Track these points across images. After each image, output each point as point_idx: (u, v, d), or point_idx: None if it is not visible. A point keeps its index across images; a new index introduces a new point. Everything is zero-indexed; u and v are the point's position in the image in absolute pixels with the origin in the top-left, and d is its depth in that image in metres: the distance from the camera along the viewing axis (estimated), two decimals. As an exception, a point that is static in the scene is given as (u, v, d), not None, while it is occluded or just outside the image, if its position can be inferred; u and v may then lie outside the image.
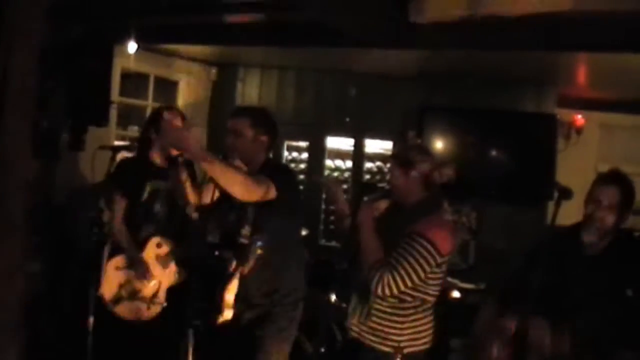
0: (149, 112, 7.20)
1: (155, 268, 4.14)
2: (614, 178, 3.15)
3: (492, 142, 6.53)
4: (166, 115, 4.09)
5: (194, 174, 4.20)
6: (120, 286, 4.11)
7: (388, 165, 3.46)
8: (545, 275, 2.99)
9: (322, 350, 4.16)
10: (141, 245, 4.17)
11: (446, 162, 3.33)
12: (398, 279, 3.03)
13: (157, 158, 4.24)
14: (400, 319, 3.16)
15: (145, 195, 4.20)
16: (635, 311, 2.98)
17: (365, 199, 3.31)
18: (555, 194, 3.08)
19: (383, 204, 3.36)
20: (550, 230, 3.22)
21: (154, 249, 4.16)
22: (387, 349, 3.16)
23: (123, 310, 4.11)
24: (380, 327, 3.17)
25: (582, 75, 6.23)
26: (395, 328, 3.16)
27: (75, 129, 5.68)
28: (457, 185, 3.40)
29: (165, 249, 4.16)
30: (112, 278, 4.11)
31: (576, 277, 3.07)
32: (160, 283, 4.14)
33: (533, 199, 6.35)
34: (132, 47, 5.92)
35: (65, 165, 5.64)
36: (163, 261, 4.15)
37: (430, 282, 3.15)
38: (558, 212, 3.05)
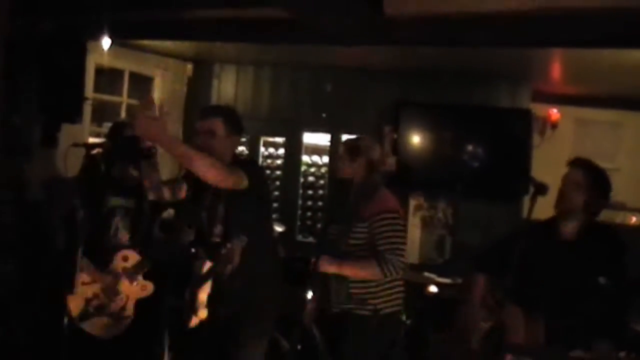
0: (124, 108, 7.15)
1: (123, 282, 4.09)
2: (581, 161, 3.27)
3: (467, 137, 6.54)
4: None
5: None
6: (87, 301, 4.06)
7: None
8: (519, 264, 3.05)
9: (299, 348, 4.15)
10: (107, 259, 4.12)
11: (389, 155, 3.72)
12: (401, 256, 3.50)
13: (118, 172, 4.23)
14: (374, 283, 3.58)
15: (104, 211, 4.17)
16: (611, 300, 3.03)
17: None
18: (531, 190, 3.11)
19: None
20: (525, 223, 3.28)
21: (120, 263, 4.11)
22: (366, 313, 3.56)
23: (91, 326, 4.05)
24: (358, 294, 3.58)
25: (556, 70, 6.26)
26: (370, 293, 3.58)
27: (49, 125, 5.61)
28: (402, 177, 3.86)
29: (131, 262, 4.11)
30: (79, 293, 4.03)
31: (551, 263, 3.13)
32: (127, 297, 4.09)
33: (509, 194, 6.38)
34: (106, 42, 5.86)
35: (39, 161, 5.57)
36: (130, 274, 4.10)
37: None
38: (534, 208, 3.09)
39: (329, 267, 3.54)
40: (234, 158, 3.69)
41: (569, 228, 3.20)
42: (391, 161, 3.73)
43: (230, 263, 3.53)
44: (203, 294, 3.69)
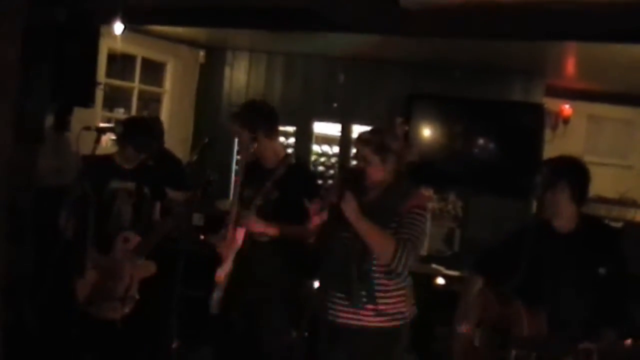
0: (135, 94, 7.16)
1: (125, 264, 4.11)
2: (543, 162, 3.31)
3: (479, 131, 6.53)
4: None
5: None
6: (93, 286, 4.08)
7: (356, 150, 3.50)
8: (523, 261, 3.06)
9: (306, 335, 4.16)
10: (108, 242, 4.14)
11: (410, 144, 3.42)
12: (416, 251, 3.18)
13: (122, 161, 4.29)
14: (402, 292, 3.25)
15: (106, 193, 4.20)
16: (612, 290, 3.04)
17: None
18: (542, 184, 3.11)
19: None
20: (530, 221, 3.29)
21: (122, 245, 4.13)
22: (397, 323, 3.23)
23: (98, 310, 4.07)
24: (387, 306, 3.20)
25: (570, 65, 6.24)
26: (401, 302, 3.24)
27: (61, 110, 5.63)
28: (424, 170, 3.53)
29: (133, 243, 4.13)
30: (86, 278, 4.07)
31: (551, 257, 3.13)
32: (131, 278, 4.11)
33: (519, 189, 6.35)
34: (119, 28, 5.85)
35: (51, 145, 5.59)
36: (132, 256, 4.12)
37: None
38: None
39: (351, 211, 3.12)
40: (285, 158, 4.01)
41: (561, 224, 3.19)
42: (413, 151, 3.45)
43: None
44: (221, 272, 3.74)
